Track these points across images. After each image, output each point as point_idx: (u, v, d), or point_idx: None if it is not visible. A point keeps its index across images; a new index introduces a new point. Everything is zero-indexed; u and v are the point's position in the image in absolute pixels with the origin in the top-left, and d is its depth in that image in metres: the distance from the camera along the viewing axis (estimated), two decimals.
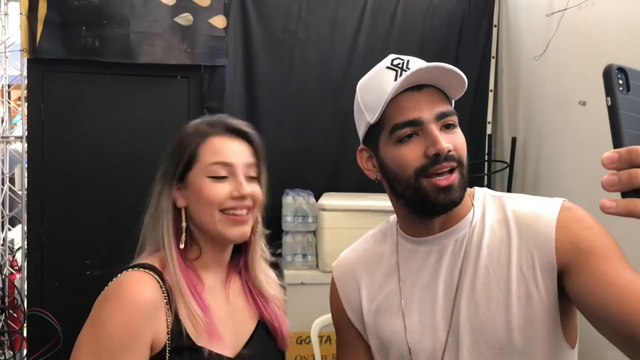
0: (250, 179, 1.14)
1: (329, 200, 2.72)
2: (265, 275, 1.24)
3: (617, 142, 0.51)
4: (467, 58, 3.14)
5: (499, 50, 3.19)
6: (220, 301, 1.15)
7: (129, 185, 2.97)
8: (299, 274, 2.61)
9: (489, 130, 3.19)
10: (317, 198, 2.81)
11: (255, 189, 1.14)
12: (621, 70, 0.54)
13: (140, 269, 1.07)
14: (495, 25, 3.17)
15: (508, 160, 2.87)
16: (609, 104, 0.53)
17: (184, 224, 1.12)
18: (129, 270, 1.07)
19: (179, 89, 3.05)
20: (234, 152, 1.14)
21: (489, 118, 3.19)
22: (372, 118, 1.00)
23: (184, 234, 1.12)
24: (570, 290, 0.91)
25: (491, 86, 3.18)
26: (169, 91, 3.06)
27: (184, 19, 2.88)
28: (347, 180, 3.01)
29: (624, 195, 0.50)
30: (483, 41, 3.18)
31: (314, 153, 3.03)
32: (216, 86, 2.94)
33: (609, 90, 0.53)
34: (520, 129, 2.89)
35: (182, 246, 1.11)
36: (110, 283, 1.06)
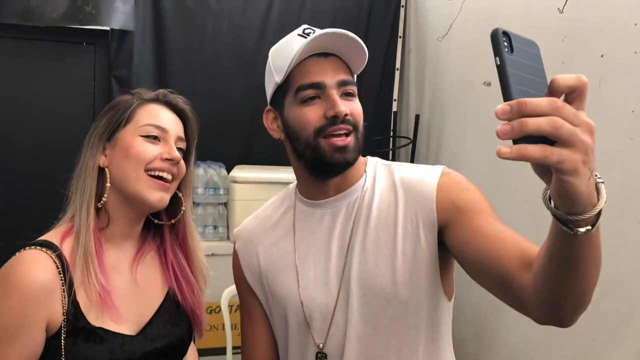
0: (179, 150, 1.15)
1: (241, 172, 2.74)
2: (202, 261, 1.27)
3: (507, 96, 0.56)
4: (375, 37, 3.23)
5: (406, 30, 3.30)
6: (124, 278, 1.15)
7: (29, 156, 2.83)
8: (210, 246, 2.63)
9: (394, 108, 3.31)
10: (228, 170, 2.83)
11: (182, 165, 1.16)
12: (505, 34, 0.59)
13: (37, 247, 1.04)
14: (402, 6, 3.27)
15: (412, 136, 3.01)
16: (498, 63, 0.58)
17: (108, 184, 1.11)
18: (26, 248, 1.05)
19: (84, 56, 2.90)
20: (170, 121, 1.16)
21: (395, 96, 3.31)
22: (279, 78, 1.08)
23: (105, 195, 1.10)
24: (450, 243, 1.02)
25: (398, 65, 3.30)
26: (74, 58, 2.91)
27: None
28: (259, 153, 3.04)
29: (515, 142, 0.55)
30: (391, 21, 3.27)
31: (226, 125, 3.02)
32: (124, 54, 2.83)
33: (497, 51, 0.58)
34: (425, 107, 3.02)
35: (100, 205, 1.10)
36: (6, 263, 1.03)
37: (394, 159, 3.21)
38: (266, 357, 1.23)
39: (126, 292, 1.13)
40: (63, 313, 1.02)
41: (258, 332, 1.23)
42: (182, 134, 1.18)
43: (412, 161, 2.98)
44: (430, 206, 1.05)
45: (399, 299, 1.06)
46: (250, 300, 1.24)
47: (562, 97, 0.58)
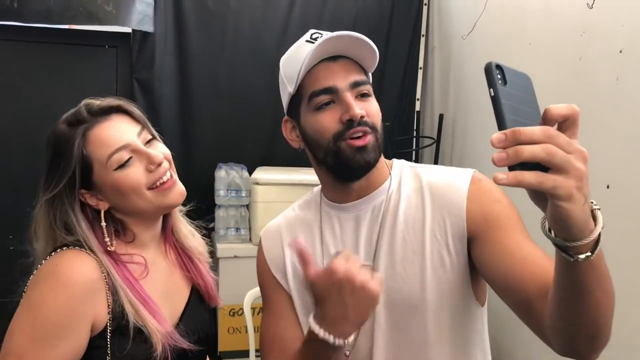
0: (149, 143, 1.11)
1: (263, 174, 2.73)
2: (187, 227, 1.25)
3: (501, 126, 0.59)
4: (398, 35, 3.20)
5: (429, 28, 3.26)
6: (162, 273, 1.15)
7: None
8: (232, 248, 2.62)
9: (417, 107, 3.27)
10: (250, 172, 2.82)
11: (162, 149, 1.12)
12: (499, 67, 0.63)
13: (76, 248, 1.03)
14: (425, 4, 3.23)
15: (435, 136, 2.96)
16: (492, 94, 0.61)
17: (103, 224, 1.08)
18: (63, 249, 1.03)
19: (106, 59, 2.93)
20: (121, 132, 1.08)
21: (418, 95, 3.27)
22: (292, 88, 1.06)
23: (112, 236, 1.08)
24: (476, 258, 1.00)
25: (421, 64, 3.26)
26: (97, 61, 2.94)
27: None
28: (280, 154, 3.03)
29: (511, 168, 0.58)
30: (413, 19, 3.23)
31: (247, 127, 3.02)
32: (146, 56, 2.84)
33: (491, 83, 0.62)
34: (449, 106, 2.98)
35: (112, 248, 1.07)
36: (45, 262, 1.02)
37: (417, 160, 3.18)
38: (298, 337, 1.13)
39: (163, 287, 1.13)
40: (108, 312, 1.01)
41: (287, 322, 1.15)
42: (138, 127, 1.11)
43: (436, 161, 2.94)
44: (459, 215, 1.02)
45: (426, 306, 1.03)
46: (278, 295, 1.18)
47: (556, 126, 0.60)
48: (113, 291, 1.02)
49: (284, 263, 1.17)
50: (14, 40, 2.77)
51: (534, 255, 0.91)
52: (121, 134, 1.07)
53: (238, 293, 2.05)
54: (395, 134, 3.08)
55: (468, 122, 2.78)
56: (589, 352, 0.77)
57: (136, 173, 1.06)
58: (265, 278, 1.21)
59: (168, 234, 1.22)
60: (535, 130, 0.57)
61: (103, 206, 1.09)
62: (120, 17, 2.72)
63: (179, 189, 1.12)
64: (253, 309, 2.14)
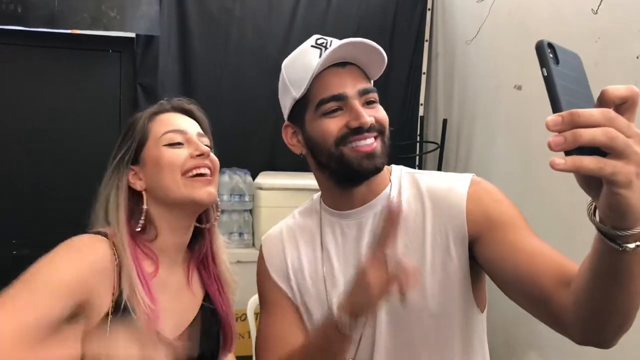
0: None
1: (266, 179, 2.73)
2: (227, 265, 1.25)
3: (557, 107, 0.55)
4: (401, 41, 3.20)
5: (432, 33, 3.26)
6: (171, 289, 1.14)
7: (57, 163, 2.86)
8: (236, 253, 2.61)
9: (421, 112, 3.27)
10: (254, 177, 2.82)
11: (213, 156, 1.16)
12: (550, 45, 0.58)
13: (92, 234, 1.06)
14: (428, 9, 3.23)
15: (439, 141, 2.96)
16: (545, 74, 0.57)
17: (144, 206, 1.10)
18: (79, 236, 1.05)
19: (110, 64, 2.94)
20: (185, 122, 1.17)
21: (422, 100, 3.27)
22: (297, 93, 1.05)
23: (142, 217, 1.10)
24: (482, 258, 0.99)
25: (424, 69, 3.26)
26: (101, 66, 2.94)
27: None
28: (284, 159, 3.02)
29: (568, 153, 0.54)
30: (417, 25, 3.23)
31: (251, 131, 3.02)
32: (150, 61, 2.84)
33: (543, 62, 0.57)
34: (454, 111, 2.97)
35: (138, 228, 1.08)
36: (63, 242, 1.03)
37: (420, 165, 3.17)
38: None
39: (166, 306, 1.11)
40: (112, 305, 1.01)
41: (287, 325, 1.14)
42: (200, 131, 1.19)
43: (439, 167, 2.93)
44: (460, 217, 1.02)
45: (428, 312, 1.02)
46: (279, 299, 1.17)
47: (612, 108, 0.57)
48: (121, 278, 1.02)
49: (286, 269, 1.17)
50: (17, 44, 2.78)
51: (542, 248, 0.90)
52: (185, 124, 1.17)
53: (241, 298, 2.04)
54: (399, 139, 3.08)
55: (472, 127, 2.78)
56: (613, 340, 0.77)
57: (179, 154, 1.11)
58: (266, 283, 1.20)
59: (203, 257, 1.22)
60: (594, 113, 0.53)
61: (140, 186, 1.12)
62: (124, 22, 2.73)
63: (210, 189, 1.12)
64: (256, 314, 2.13)
